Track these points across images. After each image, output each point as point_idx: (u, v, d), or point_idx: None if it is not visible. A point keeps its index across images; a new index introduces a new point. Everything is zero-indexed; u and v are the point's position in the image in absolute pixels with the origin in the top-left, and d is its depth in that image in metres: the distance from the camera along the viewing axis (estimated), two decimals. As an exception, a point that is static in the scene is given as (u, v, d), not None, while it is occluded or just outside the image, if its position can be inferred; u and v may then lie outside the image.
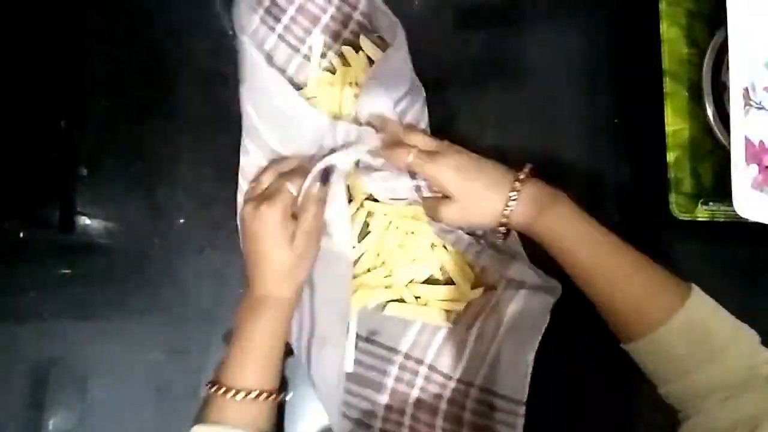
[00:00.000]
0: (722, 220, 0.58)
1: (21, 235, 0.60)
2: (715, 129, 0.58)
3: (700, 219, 0.57)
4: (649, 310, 0.46)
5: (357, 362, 0.56)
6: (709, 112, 0.58)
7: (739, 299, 0.62)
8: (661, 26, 0.59)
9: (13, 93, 0.63)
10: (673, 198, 0.57)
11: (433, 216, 0.53)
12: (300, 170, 0.54)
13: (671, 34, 0.60)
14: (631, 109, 0.63)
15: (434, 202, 0.53)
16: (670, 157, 0.58)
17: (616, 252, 0.49)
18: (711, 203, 0.58)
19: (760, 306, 0.62)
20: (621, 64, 0.63)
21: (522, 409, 0.51)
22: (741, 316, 0.62)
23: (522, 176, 0.50)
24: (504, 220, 0.50)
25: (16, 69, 0.63)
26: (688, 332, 0.45)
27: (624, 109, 0.63)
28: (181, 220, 0.61)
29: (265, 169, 0.56)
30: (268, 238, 0.50)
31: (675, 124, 0.58)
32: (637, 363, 0.48)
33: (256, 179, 0.56)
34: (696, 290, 0.47)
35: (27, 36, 0.64)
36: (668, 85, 0.59)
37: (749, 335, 0.46)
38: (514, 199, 0.49)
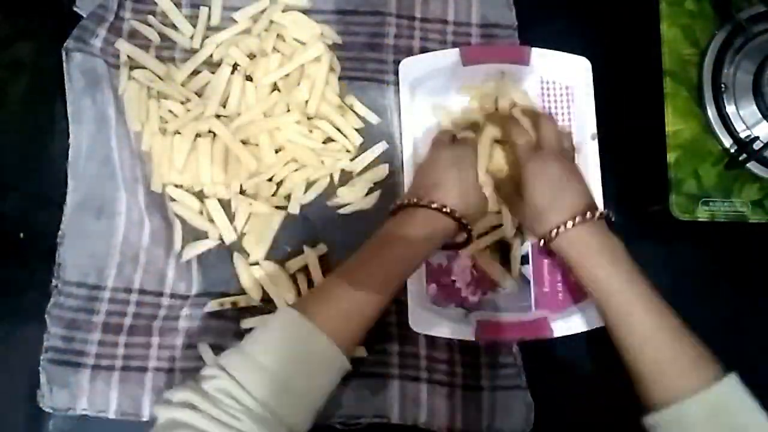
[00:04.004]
0: (722, 220, 0.58)
1: (21, 235, 0.60)
2: (715, 129, 0.58)
3: (700, 219, 0.57)
4: (678, 377, 0.43)
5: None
6: (709, 112, 0.58)
7: (739, 299, 0.62)
8: (661, 26, 0.59)
9: (13, 91, 0.63)
10: (673, 198, 0.57)
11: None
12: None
13: (671, 34, 0.60)
14: (631, 109, 0.63)
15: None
16: (671, 157, 0.58)
17: (657, 313, 0.46)
18: (711, 203, 0.58)
19: (759, 306, 0.62)
20: (621, 64, 0.63)
21: None
22: (741, 316, 0.62)
23: (588, 216, 0.49)
24: (546, 238, 0.50)
25: (15, 67, 0.63)
26: (714, 412, 0.42)
27: (624, 109, 0.63)
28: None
29: None
30: (464, 158, 0.53)
31: (675, 124, 0.58)
32: None
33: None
34: (733, 375, 0.43)
35: (29, 35, 0.64)
36: (668, 85, 0.59)
37: None
38: (566, 227, 0.49)
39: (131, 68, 0.61)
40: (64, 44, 0.61)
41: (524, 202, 0.52)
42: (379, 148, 0.61)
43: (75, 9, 0.62)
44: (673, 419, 0.43)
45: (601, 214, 0.50)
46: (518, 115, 0.57)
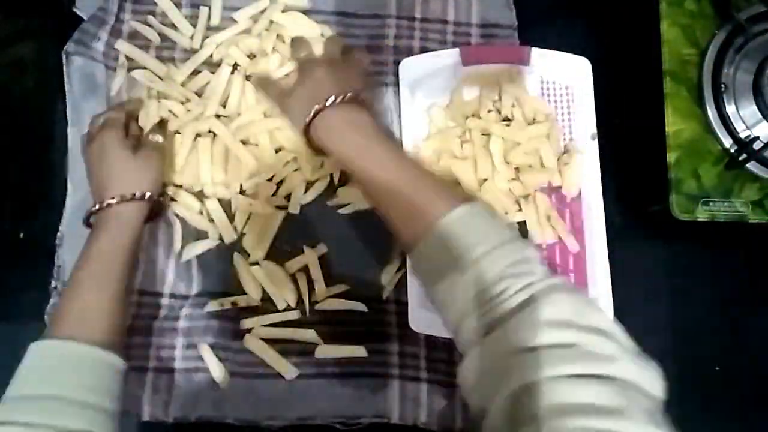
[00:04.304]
0: (722, 220, 0.58)
1: (21, 235, 0.60)
2: (715, 129, 0.58)
3: (700, 219, 0.57)
4: (416, 223, 0.43)
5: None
6: (709, 112, 0.58)
7: (739, 299, 0.62)
8: (661, 26, 0.59)
9: (13, 91, 0.63)
10: (673, 198, 0.57)
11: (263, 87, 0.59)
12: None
13: (671, 34, 0.60)
14: (631, 109, 0.63)
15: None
16: (671, 157, 0.58)
17: (394, 167, 0.47)
18: (711, 203, 0.58)
19: (760, 306, 0.62)
20: (621, 64, 0.63)
21: None
22: (741, 316, 0.62)
23: (333, 99, 0.50)
24: (307, 126, 0.52)
25: (16, 67, 0.63)
26: (447, 238, 0.41)
27: (624, 109, 0.63)
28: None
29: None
30: (111, 147, 0.54)
31: (675, 124, 0.58)
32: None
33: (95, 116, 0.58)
34: (471, 202, 0.42)
35: (29, 35, 0.64)
36: (668, 85, 0.59)
37: (519, 249, 0.40)
38: (321, 109, 0.50)
39: (130, 69, 0.61)
40: (65, 47, 0.61)
41: (291, 98, 0.54)
42: None
43: (75, 10, 0.62)
44: (415, 258, 0.44)
45: (348, 95, 0.51)
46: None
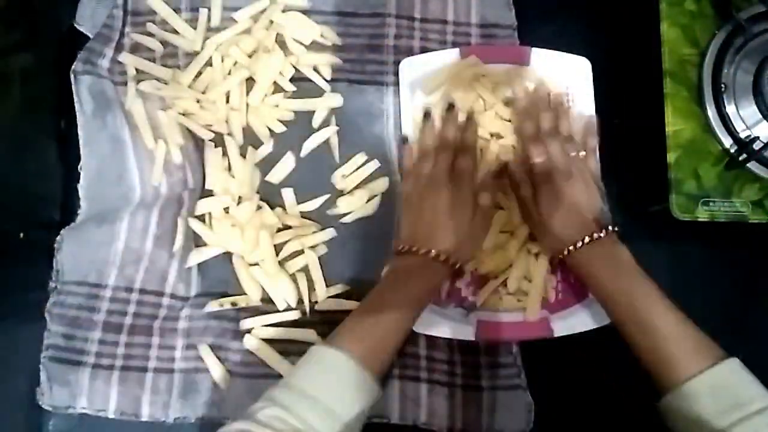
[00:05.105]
0: (722, 220, 0.58)
1: (21, 235, 0.60)
2: (715, 129, 0.58)
3: (700, 219, 0.57)
4: (685, 361, 0.45)
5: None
6: (709, 112, 0.58)
7: (739, 299, 0.62)
8: (661, 26, 0.59)
9: (13, 92, 0.63)
10: (673, 198, 0.57)
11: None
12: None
13: (671, 34, 0.60)
14: (631, 109, 0.63)
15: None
16: (671, 157, 0.58)
17: (664, 309, 0.48)
18: (711, 203, 0.58)
19: (760, 306, 0.62)
20: (621, 64, 0.63)
21: None
22: (741, 315, 0.62)
23: (603, 233, 0.51)
24: (564, 253, 0.53)
25: (16, 67, 0.63)
26: (717, 389, 0.44)
27: (624, 109, 0.63)
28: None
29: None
30: (460, 203, 0.53)
31: (675, 124, 0.58)
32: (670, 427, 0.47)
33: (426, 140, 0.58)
34: (735, 359, 0.45)
35: (28, 35, 0.64)
36: (668, 85, 0.59)
37: None
38: (585, 243, 0.51)
39: (138, 82, 0.61)
40: (73, 67, 0.61)
41: (538, 222, 0.55)
42: (371, 166, 0.61)
43: (76, 25, 0.62)
44: (680, 399, 0.45)
45: (609, 230, 0.52)
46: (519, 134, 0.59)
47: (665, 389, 0.46)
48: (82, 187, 0.60)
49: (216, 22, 0.63)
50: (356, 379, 0.45)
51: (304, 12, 0.63)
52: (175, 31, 0.63)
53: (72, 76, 0.61)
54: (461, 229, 0.53)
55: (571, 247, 0.52)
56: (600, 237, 0.51)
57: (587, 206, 0.54)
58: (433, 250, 0.51)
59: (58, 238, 0.59)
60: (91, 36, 0.62)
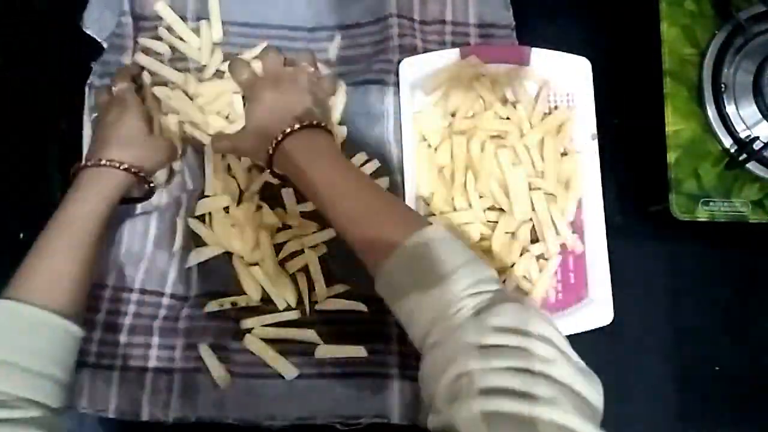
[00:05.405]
0: (722, 220, 0.58)
1: (21, 235, 0.60)
2: (715, 129, 0.58)
3: (700, 219, 0.57)
4: (385, 243, 0.44)
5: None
6: (709, 112, 0.58)
7: (739, 299, 0.62)
8: (661, 26, 0.59)
9: (13, 92, 0.63)
10: (673, 198, 0.57)
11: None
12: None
13: (671, 34, 0.60)
14: (631, 109, 0.63)
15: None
16: (671, 157, 0.58)
17: (363, 194, 0.48)
18: (711, 203, 0.58)
19: (760, 306, 0.62)
20: (621, 64, 0.63)
21: None
22: (741, 316, 0.62)
23: (289, 129, 0.51)
24: (268, 155, 0.52)
25: (16, 68, 0.63)
26: (412, 259, 0.42)
27: (624, 109, 0.63)
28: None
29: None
30: (132, 114, 0.55)
31: (675, 124, 0.58)
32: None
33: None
34: (434, 225, 0.44)
35: (28, 36, 0.64)
36: (668, 85, 0.59)
37: (479, 270, 0.41)
38: (279, 139, 0.51)
39: (153, 85, 0.61)
40: (88, 81, 0.61)
41: (247, 135, 0.56)
42: (371, 166, 0.61)
43: (84, 29, 0.62)
44: (382, 281, 0.44)
45: (307, 123, 0.52)
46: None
47: (379, 262, 0.44)
48: None
49: (217, 37, 0.63)
50: (30, 322, 0.45)
51: (309, 30, 0.63)
52: (182, 39, 0.63)
53: (87, 89, 0.61)
54: (132, 135, 0.55)
55: (272, 144, 0.51)
56: (296, 129, 0.51)
57: (287, 106, 0.54)
58: (102, 159, 0.52)
59: None
60: (98, 39, 0.62)
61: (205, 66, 0.62)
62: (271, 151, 0.52)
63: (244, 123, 0.57)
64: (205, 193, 0.60)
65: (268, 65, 0.59)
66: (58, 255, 0.49)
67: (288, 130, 0.51)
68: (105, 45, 0.62)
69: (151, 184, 0.57)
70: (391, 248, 0.43)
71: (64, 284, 0.48)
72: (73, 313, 0.48)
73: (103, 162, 0.52)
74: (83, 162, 0.53)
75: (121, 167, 0.53)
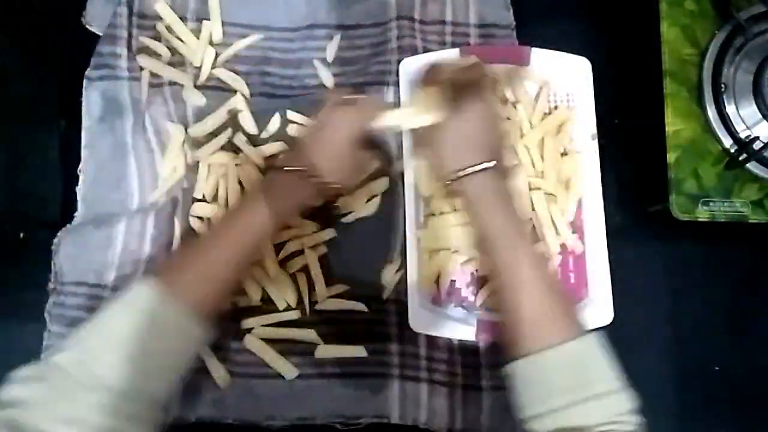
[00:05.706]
0: (722, 220, 0.58)
1: (21, 235, 0.60)
2: (715, 129, 0.58)
3: (700, 219, 0.57)
4: (548, 330, 0.45)
5: None
6: (709, 112, 0.58)
7: (739, 299, 0.62)
8: (661, 26, 0.59)
9: (13, 92, 0.63)
10: (673, 198, 0.57)
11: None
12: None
13: (671, 34, 0.60)
14: (631, 109, 0.63)
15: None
16: (671, 157, 0.58)
17: (537, 267, 0.48)
18: (711, 203, 0.58)
19: (760, 306, 0.62)
20: (621, 64, 0.63)
21: None
22: (741, 316, 0.62)
23: (494, 165, 0.50)
24: (452, 178, 0.51)
25: (16, 68, 0.63)
26: (570, 363, 0.44)
27: (624, 109, 0.63)
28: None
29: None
30: (344, 132, 0.52)
31: (675, 124, 0.58)
32: (510, 385, 0.47)
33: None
34: (594, 335, 0.45)
35: (28, 36, 0.64)
36: (668, 85, 0.59)
37: (626, 397, 0.43)
38: (475, 171, 0.50)
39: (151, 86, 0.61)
40: (86, 73, 0.61)
41: (442, 138, 0.52)
42: (371, 166, 0.61)
43: (86, 26, 0.62)
44: (533, 366, 0.45)
45: (502, 166, 0.51)
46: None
47: (520, 353, 0.45)
48: (80, 190, 0.60)
49: (218, 38, 0.63)
50: (177, 323, 0.44)
51: (307, 27, 0.63)
52: (181, 40, 0.63)
53: (85, 82, 0.61)
54: (331, 146, 0.52)
55: (464, 169, 0.50)
56: (488, 168, 0.50)
57: (495, 135, 0.52)
58: (290, 165, 0.51)
59: (55, 240, 0.59)
60: (100, 35, 0.62)
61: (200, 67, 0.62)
62: (459, 175, 0.50)
63: (448, 125, 0.52)
64: (194, 196, 0.60)
65: (476, 77, 0.54)
66: (220, 257, 0.48)
67: (488, 165, 0.50)
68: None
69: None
70: (546, 343, 0.44)
71: (218, 286, 0.48)
72: (215, 315, 0.47)
73: (289, 168, 0.51)
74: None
75: (313, 175, 0.51)
